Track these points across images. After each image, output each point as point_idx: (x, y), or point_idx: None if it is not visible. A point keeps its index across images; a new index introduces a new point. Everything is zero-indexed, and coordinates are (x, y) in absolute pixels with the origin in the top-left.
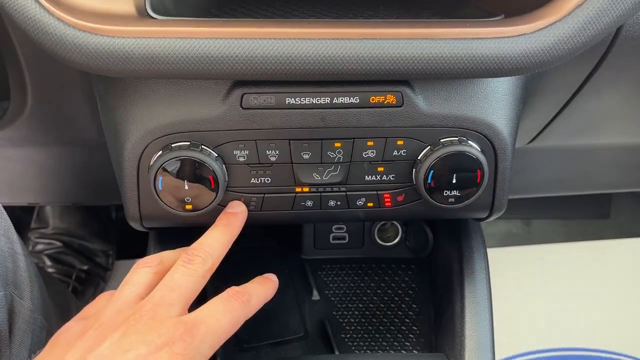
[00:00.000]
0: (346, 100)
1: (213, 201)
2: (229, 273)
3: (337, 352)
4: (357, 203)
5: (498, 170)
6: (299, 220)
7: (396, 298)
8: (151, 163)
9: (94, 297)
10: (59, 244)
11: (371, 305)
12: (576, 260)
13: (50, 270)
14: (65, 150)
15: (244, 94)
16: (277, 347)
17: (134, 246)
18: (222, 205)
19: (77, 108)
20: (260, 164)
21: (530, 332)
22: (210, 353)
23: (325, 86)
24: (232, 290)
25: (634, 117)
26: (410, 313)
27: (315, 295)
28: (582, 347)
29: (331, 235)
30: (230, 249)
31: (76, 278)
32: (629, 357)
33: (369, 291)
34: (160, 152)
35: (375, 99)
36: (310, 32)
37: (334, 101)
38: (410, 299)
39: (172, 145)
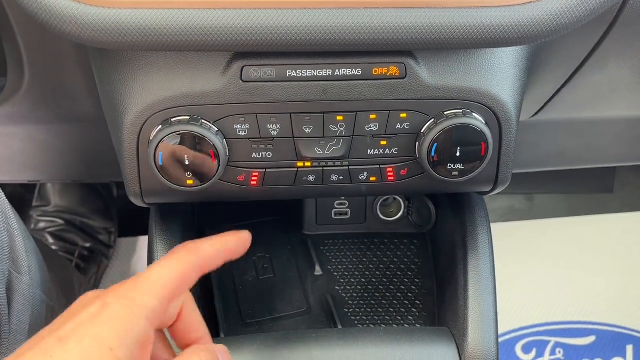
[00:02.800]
0: (348, 72)
1: (214, 176)
2: None
3: (339, 327)
4: (360, 177)
5: (502, 143)
6: (302, 195)
7: (399, 272)
8: (151, 138)
9: (97, 275)
10: (60, 221)
11: (374, 280)
12: (579, 234)
13: (53, 248)
14: (65, 127)
15: (244, 66)
16: (279, 321)
17: (137, 223)
18: (224, 181)
19: (75, 83)
20: (261, 138)
21: (534, 306)
22: (156, 303)
23: (327, 58)
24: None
25: (638, 91)
26: (413, 287)
27: (318, 271)
28: (585, 321)
29: (333, 210)
30: (232, 225)
31: (79, 256)
32: (633, 330)
33: (371, 266)
34: (160, 126)
35: (378, 71)
36: (311, 1)
37: (335, 73)
38: (413, 274)
39: (172, 120)
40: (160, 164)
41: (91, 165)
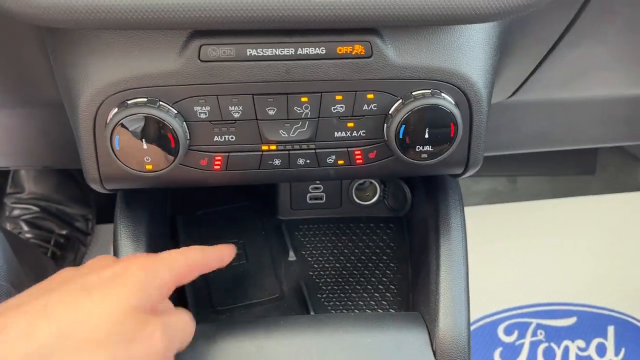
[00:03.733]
0: (311, 51)
1: (174, 161)
2: (205, 236)
3: (312, 313)
4: (327, 161)
5: (473, 124)
6: (267, 180)
7: (374, 257)
8: (107, 121)
9: (74, 262)
10: (35, 208)
11: (348, 265)
12: (562, 216)
13: (28, 235)
14: (31, 111)
15: (202, 45)
16: (252, 308)
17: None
18: (185, 165)
19: (36, 66)
20: (222, 120)
21: (515, 288)
22: (169, 279)
23: (289, 36)
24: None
25: (618, 67)
26: (388, 272)
27: (292, 256)
28: (566, 302)
29: (308, 195)
30: (205, 211)
31: (55, 243)
32: (614, 311)
33: (346, 251)
34: (116, 109)
35: (342, 50)
36: None
37: (298, 52)
38: (388, 258)
39: (128, 102)
40: (117, 148)
41: (61, 151)
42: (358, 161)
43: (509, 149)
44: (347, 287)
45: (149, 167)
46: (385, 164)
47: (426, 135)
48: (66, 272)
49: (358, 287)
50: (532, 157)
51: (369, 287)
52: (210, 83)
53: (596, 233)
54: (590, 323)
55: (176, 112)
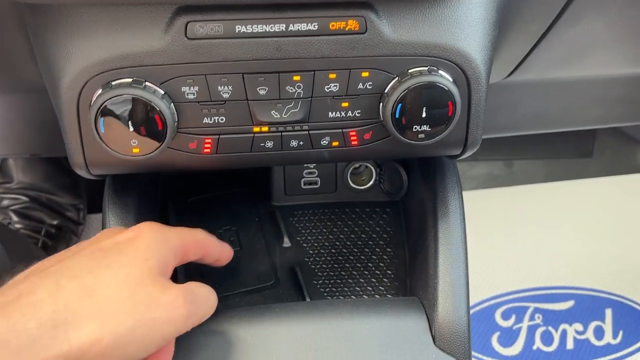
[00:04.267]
0: (303, 27)
1: (162, 144)
2: (197, 222)
3: (308, 299)
4: (322, 142)
5: (471, 102)
6: (260, 163)
7: (370, 242)
8: (91, 103)
9: None
10: (25, 198)
11: (344, 251)
12: (559, 199)
13: (18, 226)
14: (15, 98)
15: (189, 22)
16: (246, 295)
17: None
18: (174, 149)
19: (16, 50)
20: (212, 101)
21: (513, 272)
22: (179, 245)
23: (280, 11)
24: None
25: (618, 46)
26: (385, 257)
27: (286, 242)
28: (564, 286)
29: (302, 180)
30: (198, 197)
31: (46, 233)
32: (612, 293)
33: (342, 236)
34: (100, 90)
35: (335, 25)
36: None
37: (289, 28)
38: (384, 243)
39: (113, 83)
40: (102, 131)
41: (49, 138)
42: (353, 142)
43: (506, 131)
44: (343, 272)
45: (135, 150)
46: (382, 145)
47: (423, 115)
48: (80, 243)
49: (354, 272)
50: (529, 140)
51: (365, 272)
52: (198, 62)
53: (594, 216)
54: (588, 306)
55: (163, 92)
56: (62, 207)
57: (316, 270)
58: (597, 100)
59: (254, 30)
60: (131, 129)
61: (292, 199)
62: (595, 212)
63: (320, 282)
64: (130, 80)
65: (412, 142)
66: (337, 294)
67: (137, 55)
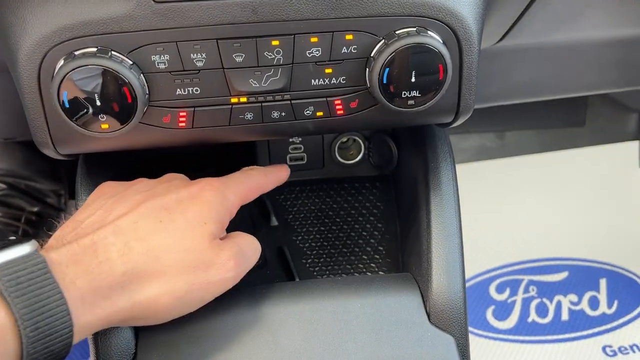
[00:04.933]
0: None
1: (132, 118)
2: None
3: (297, 279)
4: (305, 113)
5: (463, 65)
6: (240, 137)
7: (360, 218)
8: (53, 75)
9: (47, 240)
10: (3, 185)
11: (334, 228)
12: (551, 170)
13: None
14: None
15: None
16: None
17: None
18: (146, 124)
19: None
20: (185, 71)
21: (506, 245)
22: (236, 201)
23: None
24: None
25: (613, 5)
26: (376, 233)
27: (274, 221)
28: (558, 257)
29: (288, 156)
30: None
31: (26, 221)
32: (605, 263)
33: (331, 213)
34: (62, 61)
35: None
36: None
37: None
38: (375, 218)
39: (76, 53)
40: (67, 106)
41: (21, 121)
42: (339, 112)
43: (498, 101)
44: (333, 250)
45: (104, 126)
46: (369, 114)
47: (412, 79)
48: (140, 185)
49: (345, 250)
50: (520, 110)
51: (356, 249)
52: (168, 28)
53: (586, 185)
54: (582, 277)
55: (131, 62)
56: (41, 194)
57: (305, 249)
58: (590, 65)
59: None
60: (98, 102)
61: None
62: (588, 181)
63: (309, 261)
64: (94, 49)
65: (402, 109)
66: (328, 272)
67: (101, 22)
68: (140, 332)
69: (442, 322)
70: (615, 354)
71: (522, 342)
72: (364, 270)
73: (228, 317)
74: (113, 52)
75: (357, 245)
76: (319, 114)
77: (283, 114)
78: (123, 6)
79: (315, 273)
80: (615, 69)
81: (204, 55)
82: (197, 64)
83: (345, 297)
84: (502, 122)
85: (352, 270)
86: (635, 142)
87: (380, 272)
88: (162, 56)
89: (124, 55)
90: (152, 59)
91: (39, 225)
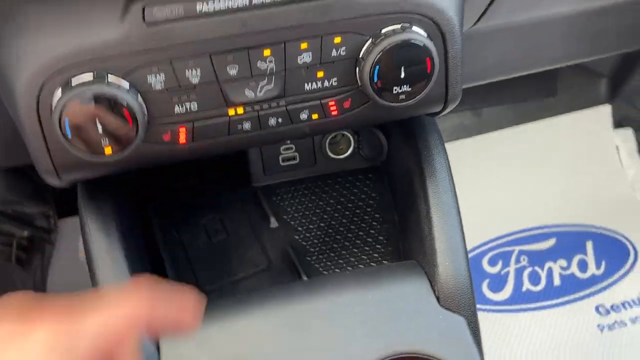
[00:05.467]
0: None
1: (135, 139)
2: (178, 217)
3: (304, 278)
4: (301, 117)
5: (449, 55)
6: (240, 147)
7: (357, 211)
8: (52, 106)
9: (42, 265)
10: None
11: (333, 223)
12: (529, 141)
13: None
14: None
15: (145, 6)
16: (240, 283)
17: (76, 200)
18: (148, 142)
19: None
20: (181, 87)
21: (494, 219)
22: (98, 343)
23: None
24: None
25: None
26: (375, 223)
27: (273, 223)
28: (544, 225)
29: (280, 157)
30: (175, 188)
31: (18, 246)
32: (589, 225)
33: (328, 208)
34: (60, 91)
35: None
36: None
37: (253, 2)
38: (372, 210)
39: (73, 81)
40: (69, 134)
41: (7, 147)
42: (333, 113)
43: (474, 81)
44: (335, 245)
45: (108, 151)
46: (362, 111)
47: (402, 75)
48: None
49: (347, 243)
50: (494, 86)
51: (357, 241)
52: (161, 48)
53: (564, 152)
54: (569, 242)
55: (128, 85)
56: (30, 217)
57: (308, 247)
58: (562, 37)
59: (216, 8)
60: (100, 128)
61: (272, 178)
62: (565, 148)
63: (314, 258)
64: (91, 75)
65: (393, 104)
66: (333, 267)
67: (95, 48)
68: (162, 344)
69: (451, 304)
70: (608, 313)
71: (519, 311)
72: (368, 261)
73: (247, 322)
74: (110, 77)
75: (358, 237)
76: (315, 116)
77: (280, 120)
78: (116, 30)
79: (321, 269)
80: (582, 40)
81: (198, 71)
82: (193, 80)
83: (357, 291)
84: (477, 99)
85: (356, 263)
86: (607, 106)
87: (384, 262)
88: (157, 76)
89: (120, 78)
90: (149, 79)
91: (32, 249)
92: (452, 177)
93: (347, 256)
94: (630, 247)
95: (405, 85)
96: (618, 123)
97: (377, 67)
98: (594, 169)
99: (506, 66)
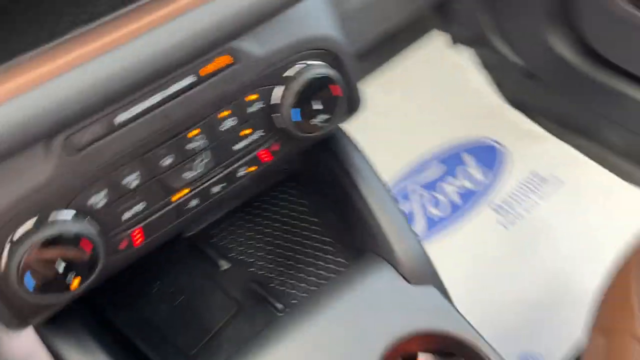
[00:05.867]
0: (179, 86)
1: (98, 262)
2: (126, 298)
3: (279, 305)
4: (240, 174)
5: (348, 73)
6: (192, 221)
7: (295, 222)
8: (3, 267)
9: None
10: None
11: (278, 242)
12: (391, 82)
13: None
14: None
15: (66, 138)
16: (221, 335)
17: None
18: (108, 257)
19: None
20: (124, 196)
21: (380, 164)
22: None
23: (150, 84)
24: None
25: None
26: (317, 228)
27: (224, 265)
28: (425, 152)
29: None
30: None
31: None
32: (462, 139)
33: (267, 230)
34: (8, 247)
35: (209, 69)
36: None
37: (168, 94)
38: (308, 216)
39: (19, 233)
40: (32, 287)
41: None
42: (267, 159)
43: None
44: (290, 262)
45: (75, 284)
46: (291, 148)
47: (319, 107)
48: None
49: (300, 255)
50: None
51: (308, 250)
52: (94, 168)
53: (417, 84)
54: (450, 159)
55: (74, 214)
56: None
57: (267, 274)
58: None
59: (134, 113)
60: (62, 269)
61: (201, 222)
62: (415, 80)
63: (277, 282)
64: (34, 221)
65: (317, 133)
66: (298, 282)
67: (29, 194)
68: None
69: (419, 279)
70: (501, 208)
71: (437, 239)
72: (325, 264)
73: None
74: (54, 215)
75: (307, 246)
76: (252, 169)
77: (223, 184)
78: (44, 169)
79: (288, 290)
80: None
81: (136, 174)
82: (133, 185)
83: (338, 300)
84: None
85: (316, 270)
86: (440, 32)
87: (340, 259)
88: (97, 195)
89: (64, 210)
90: (90, 201)
91: None
92: (373, 169)
93: (306, 267)
94: (495, 145)
95: (322, 115)
96: (454, 43)
97: (294, 109)
98: (446, 89)
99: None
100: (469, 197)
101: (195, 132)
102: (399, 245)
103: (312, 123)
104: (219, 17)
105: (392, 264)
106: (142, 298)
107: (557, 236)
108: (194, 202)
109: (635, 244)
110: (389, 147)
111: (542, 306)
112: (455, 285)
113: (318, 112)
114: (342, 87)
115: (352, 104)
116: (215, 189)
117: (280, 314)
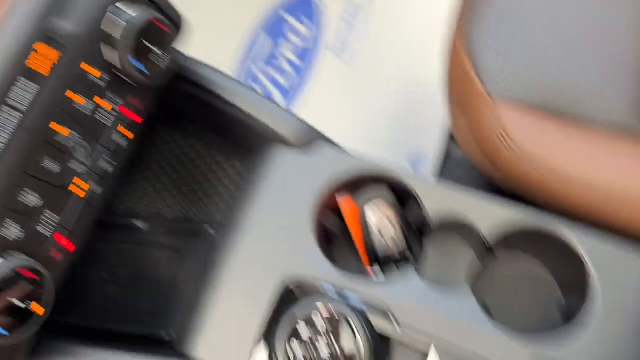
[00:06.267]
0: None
1: (45, 280)
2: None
3: (211, 231)
4: (118, 141)
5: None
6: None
7: (188, 155)
8: None
9: None
10: None
11: (181, 181)
12: None
13: None
14: None
15: None
16: (177, 286)
17: None
18: (53, 267)
19: None
20: (27, 215)
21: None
22: None
23: None
24: None
25: None
26: (208, 150)
27: (141, 225)
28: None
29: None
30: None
31: None
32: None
33: (164, 177)
34: None
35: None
36: None
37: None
38: (198, 146)
39: None
40: (6, 334)
41: None
42: (132, 115)
43: None
44: (199, 193)
45: (39, 308)
46: (147, 93)
47: (151, 46)
48: None
49: (204, 183)
50: None
51: (208, 173)
52: None
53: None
54: (276, 27)
55: None
56: None
57: (184, 211)
58: None
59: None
60: (21, 304)
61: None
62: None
63: (195, 212)
64: None
65: (162, 67)
66: (218, 203)
67: None
68: None
69: (308, 142)
70: (336, 48)
71: (297, 105)
72: (231, 176)
73: None
74: None
75: (206, 169)
76: (124, 130)
77: (109, 158)
78: None
79: (211, 216)
80: None
81: (29, 189)
82: (33, 202)
83: (255, 199)
84: None
85: (227, 185)
86: None
87: (237, 165)
88: (5, 227)
89: None
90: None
91: None
92: (224, 72)
93: (214, 187)
94: None
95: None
96: None
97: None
98: None
99: None
100: (305, 53)
101: (58, 126)
102: (277, 125)
103: (153, 61)
104: None
105: (281, 143)
106: (87, 291)
107: (394, 48)
108: (97, 188)
109: (453, 20)
110: (219, 29)
111: (409, 107)
112: (334, 132)
113: (151, 50)
114: (161, 19)
115: (175, 24)
116: (106, 166)
117: (216, 233)
